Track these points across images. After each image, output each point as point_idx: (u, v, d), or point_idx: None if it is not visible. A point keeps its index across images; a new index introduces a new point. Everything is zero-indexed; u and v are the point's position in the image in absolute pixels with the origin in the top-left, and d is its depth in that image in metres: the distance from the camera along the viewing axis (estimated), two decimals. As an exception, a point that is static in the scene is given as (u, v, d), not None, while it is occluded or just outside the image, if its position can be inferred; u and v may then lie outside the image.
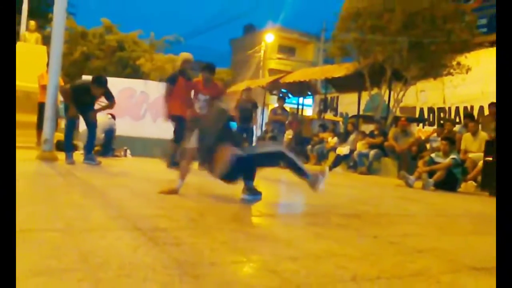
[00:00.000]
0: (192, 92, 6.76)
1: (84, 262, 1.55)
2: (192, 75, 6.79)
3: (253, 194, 3.63)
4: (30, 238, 1.81)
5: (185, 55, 6.87)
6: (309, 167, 10.51)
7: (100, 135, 7.06)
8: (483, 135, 7.54)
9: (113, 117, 8.50)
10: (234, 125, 8.09)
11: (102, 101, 6.91)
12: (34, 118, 8.29)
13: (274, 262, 1.78)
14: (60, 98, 6.51)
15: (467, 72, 11.32)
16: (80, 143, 8.34)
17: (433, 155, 7.04)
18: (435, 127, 13.51)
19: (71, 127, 6.37)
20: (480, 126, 8.27)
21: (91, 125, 6.36)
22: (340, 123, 16.38)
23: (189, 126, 3.93)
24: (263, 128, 14.93)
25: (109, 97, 6.38)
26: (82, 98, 6.07)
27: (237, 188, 3.75)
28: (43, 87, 7.49)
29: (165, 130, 6.96)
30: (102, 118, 7.18)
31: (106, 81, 6.27)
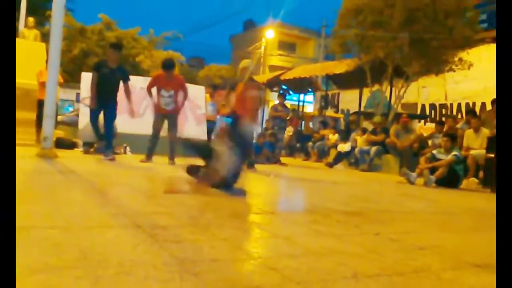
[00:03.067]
0: (155, 89, 6.89)
1: (84, 259, 1.56)
2: (249, 79, 6.97)
3: None
4: (29, 236, 1.82)
5: (244, 62, 7.04)
6: (309, 164, 10.49)
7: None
8: (485, 132, 7.53)
9: None
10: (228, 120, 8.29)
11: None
12: (33, 115, 8.28)
13: (275, 259, 1.79)
14: (59, 95, 6.61)
15: (469, 68, 11.29)
16: (80, 140, 8.36)
17: (434, 151, 7.03)
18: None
19: (96, 120, 6.77)
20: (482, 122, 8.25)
21: (109, 119, 6.74)
22: (341, 119, 16.36)
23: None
24: (264, 125, 14.91)
25: (125, 74, 6.83)
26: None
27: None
28: (42, 84, 7.48)
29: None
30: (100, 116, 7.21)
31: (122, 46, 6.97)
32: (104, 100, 6.64)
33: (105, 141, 6.90)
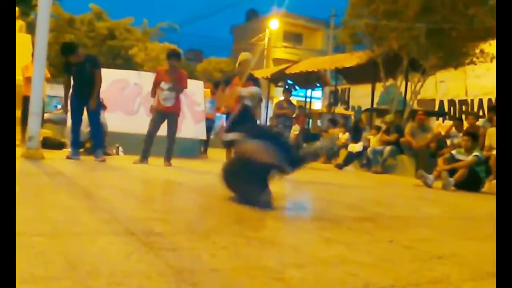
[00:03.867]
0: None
1: (73, 269, 1.56)
2: (248, 74, 7.11)
3: None
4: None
5: (242, 55, 7.11)
6: (317, 166, 10.49)
7: (84, 129, 7.10)
8: (510, 130, 7.51)
9: (103, 106, 8.46)
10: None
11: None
12: (18, 113, 8.30)
13: (279, 269, 1.79)
14: (46, 91, 6.66)
15: (491, 61, 11.23)
16: (68, 140, 8.37)
17: (454, 152, 7.01)
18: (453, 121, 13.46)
19: (78, 120, 6.71)
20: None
21: (94, 117, 6.71)
22: (352, 117, 16.37)
23: None
24: (268, 123, 14.92)
25: (94, 61, 6.82)
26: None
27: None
28: (28, 79, 7.50)
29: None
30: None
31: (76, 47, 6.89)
32: (84, 98, 6.59)
33: (93, 141, 6.92)
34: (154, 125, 6.87)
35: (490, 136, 7.81)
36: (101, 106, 7.00)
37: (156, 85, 6.87)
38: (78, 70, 6.56)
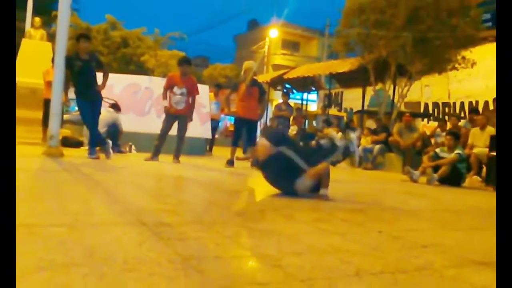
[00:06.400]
0: (168, 93, 6.91)
1: (89, 257, 1.56)
2: (252, 80, 7.18)
3: None
4: (35, 233, 1.82)
5: (247, 64, 7.16)
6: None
7: (101, 129, 7.06)
8: (490, 130, 7.49)
9: (117, 107, 8.45)
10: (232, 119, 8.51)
11: (107, 99, 6.95)
12: (39, 114, 8.32)
13: (278, 256, 1.79)
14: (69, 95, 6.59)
15: (472, 67, 11.22)
16: (86, 139, 8.37)
17: (437, 150, 7.01)
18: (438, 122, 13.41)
19: (90, 119, 6.47)
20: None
21: (94, 116, 6.44)
22: (344, 118, 16.33)
23: None
24: (268, 124, 14.89)
25: (99, 61, 6.67)
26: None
27: (240, 182, 3.74)
28: (48, 83, 7.51)
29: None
30: (104, 113, 7.18)
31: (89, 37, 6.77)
32: (89, 94, 6.31)
33: (89, 137, 6.50)
34: (166, 126, 6.88)
35: (473, 135, 7.80)
36: (101, 105, 6.71)
37: (168, 88, 6.87)
38: (83, 66, 6.25)
